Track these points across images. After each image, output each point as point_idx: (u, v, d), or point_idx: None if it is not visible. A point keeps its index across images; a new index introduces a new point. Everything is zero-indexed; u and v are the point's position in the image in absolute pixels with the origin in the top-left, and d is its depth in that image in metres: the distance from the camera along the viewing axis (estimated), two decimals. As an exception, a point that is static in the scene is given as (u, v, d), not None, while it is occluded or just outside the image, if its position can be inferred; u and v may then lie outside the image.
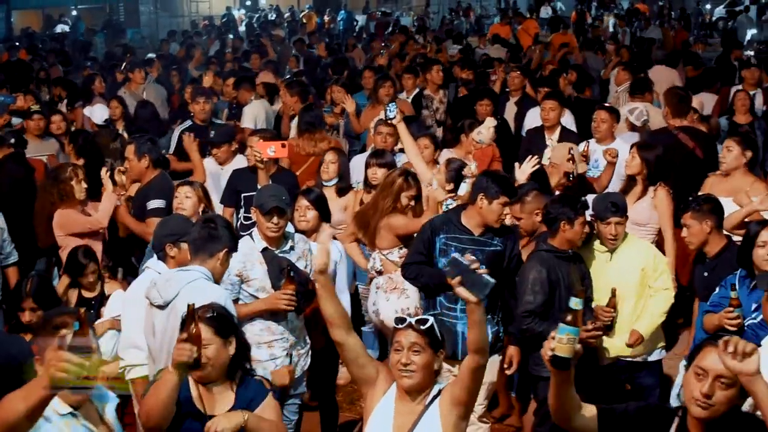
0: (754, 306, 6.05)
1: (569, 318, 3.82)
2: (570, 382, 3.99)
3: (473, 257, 4.36)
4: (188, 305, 4.60)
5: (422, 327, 4.60)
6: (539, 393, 6.79)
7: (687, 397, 3.94)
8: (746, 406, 4.15)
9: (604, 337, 6.87)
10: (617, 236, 6.90)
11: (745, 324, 5.87)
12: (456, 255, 4.63)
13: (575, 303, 3.82)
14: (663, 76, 14.80)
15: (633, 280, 6.95)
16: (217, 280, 5.83)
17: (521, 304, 6.62)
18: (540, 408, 6.80)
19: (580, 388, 4.06)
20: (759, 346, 4.15)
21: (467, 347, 4.58)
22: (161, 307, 5.61)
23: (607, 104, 10.73)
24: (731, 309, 6.10)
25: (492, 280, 4.34)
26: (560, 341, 3.82)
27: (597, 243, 7.03)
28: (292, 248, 6.64)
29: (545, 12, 36.20)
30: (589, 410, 4.09)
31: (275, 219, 6.43)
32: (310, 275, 6.55)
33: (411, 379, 4.58)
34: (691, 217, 6.86)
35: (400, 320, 4.69)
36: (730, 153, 8.26)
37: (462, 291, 4.30)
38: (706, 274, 6.85)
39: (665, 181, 8.24)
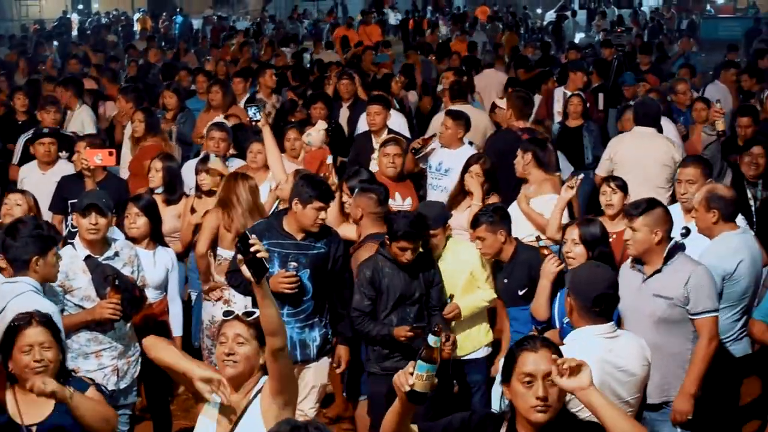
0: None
1: (427, 354, 3.75)
2: (413, 412, 3.94)
3: (255, 240, 4.29)
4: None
5: (248, 318, 4.59)
6: (370, 389, 6.89)
7: (524, 408, 3.94)
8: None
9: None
10: (437, 246, 7.02)
11: (565, 322, 6.00)
12: (247, 232, 4.69)
13: (434, 341, 3.76)
14: (493, 80, 15.13)
15: (461, 283, 7.06)
16: (51, 279, 5.83)
17: (352, 303, 6.70)
18: (373, 406, 6.86)
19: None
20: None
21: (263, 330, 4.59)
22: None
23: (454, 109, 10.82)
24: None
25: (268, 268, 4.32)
26: (419, 378, 3.74)
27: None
28: (116, 254, 6.52)
29: (395, 18, 36.66)
30: None
31: (93, 218, 6.30)
32: (138, 281, 6.48)
33: (233, 369, 4.56)
34: (485, 230, 6.89)
35: (227, 313, 4.68)
36: (522, 160, 8.41)
37: (245, 270, 4.29)
38: (506, 280, 6.97)
39: (496, 190, 8.41)
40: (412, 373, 3.74)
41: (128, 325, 6.50)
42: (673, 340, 5.96)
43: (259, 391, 4.63)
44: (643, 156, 9.13)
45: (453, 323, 6.98)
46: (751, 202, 8.28)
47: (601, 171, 9.50)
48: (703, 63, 19.34)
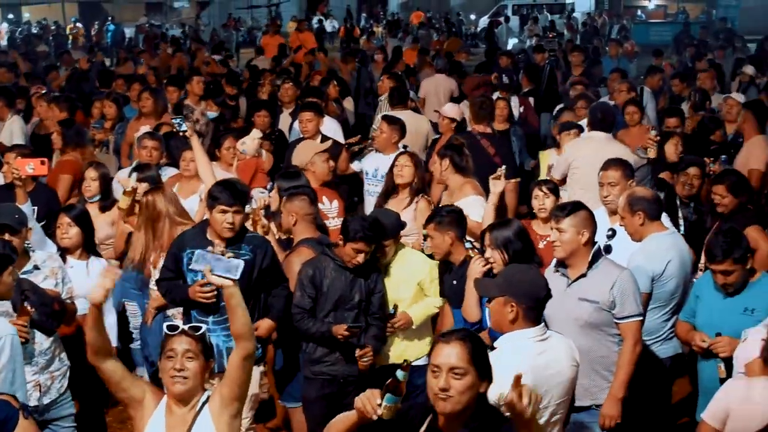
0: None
1: (395, 387, 3.98)
2: None
3: (219, 248, 4.37)
4: None
5: (196, 333, 4.60)
6: (303, 393, 6.92)
7: (430, 395, 4.12)
8: (493, 398, 4.35)
9: (383, 346, 6.98)
10: (387, 254, 7.03)
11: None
12: (199, 251, 4.73)
13: (402, 375, 3.98)
14: (441, 85, 15.22)
15: (409, 294, 7.09)
16: (6, 298, 5.78)
17: (293, 301, 6.74)
18: (307, 409, 6.91)
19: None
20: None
21: (233, 336, 4.64)
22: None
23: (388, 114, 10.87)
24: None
25: (241, 261, 4.48)
26: (387, 409, 3.99)
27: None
28: (36, 267, 6.43)
29: (331, 26, 36.67)
30: None
31: (6, 237, 6.19)
32: (64, 293, 6.43)
33: (184, 386, 4.56)
34: (434, 228, 6.93)
35: (172, 327, 4.66)
36: (440, 166, 8.44)
37: (216, 279, 4.31)
38: (455, 282, 6.99)
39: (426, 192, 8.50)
40: (380, 404, 3.98)
41: (50, 339, 6.35)
42: (598, 343, 6.00)
43: (205, 402, 4.63)
44: (598, 161, 9.07)
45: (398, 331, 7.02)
46: (681, 221, 8.33)
47: (556, 174, 9.56)
48: (633, 68, 19.58)
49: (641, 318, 6.05)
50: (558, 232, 6.15)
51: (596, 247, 6.14)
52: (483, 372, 4.15)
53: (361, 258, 6.64)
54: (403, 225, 7.24)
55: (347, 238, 6.63)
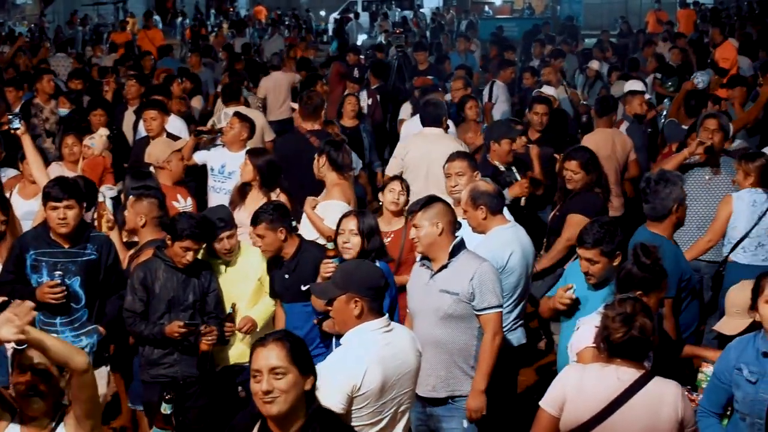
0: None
1: (162, 421, 4.15)
2: None
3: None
4: None
5: (20, 348, 4.44)
6: (143, 397, 6.86)
7: (256, 401, 4.13)
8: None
9: (223, 347, 6.96)
10: (231, 249, 7.00)
11: None
12: None
13: (165, 408, 4.08)
14: (279, 82, 15.20)
15: (249, 290, 7.09)
16: None
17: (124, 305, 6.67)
18: (148, 413, 6.81)
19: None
20: None
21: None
22: None
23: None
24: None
25: None
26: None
27: (210, 257, 7.08)
28: None
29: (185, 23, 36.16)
30: None
31: None
32: None
33: (37, 404, 4.45)
34: (265, 227, 6.90)
35: (22, 342, 4.49)
36: (318, 162, 8.43)
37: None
38: (287, 276, 6.99)
39: (280, 186, 8.48)
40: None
41: None
42: (458, 335, 6.04)
43: (61, 420, 4.52)
44: (432, 157, 9.23)
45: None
46: None
47: (390, 170, 9.62)
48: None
49: (501, 310, 6.09)
50: (415, 228, 6.20)
51: (458, 239, 6.17)
52: (304, 368, 4.15)
53: (190, 256, 6.60)
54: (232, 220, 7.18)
55: (174, 237, 6.57)
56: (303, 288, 6.85)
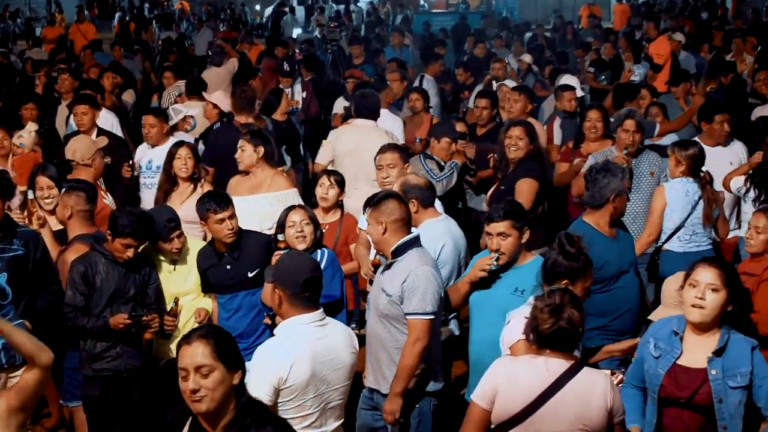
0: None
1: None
2: None
3: None
4: None
5: None
6: (83, 392, 6.83)
7: (185, 399, 4.12)
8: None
9: (165, 341, 6.94)
10: (182, 248, 7.01)
11: None
12: None
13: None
14: (222, 76, 15.13)
15: (194, 282, 7.10)
16: None
17: (65, 299, 6.62)
18: (88, 409, 6.80)
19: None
20: None
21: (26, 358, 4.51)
22: None
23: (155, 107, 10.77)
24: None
25: None
26: None
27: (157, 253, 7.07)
28: None
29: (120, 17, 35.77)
30: None
31: None
32: None
33: None
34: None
35: None
36: (244, 152, 8.42)
37: None
38: (229, 266, 6.96)
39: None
40: None
41: None
42: (394, 334, 5.96)
43: None
44: (362, 148, 9.26)
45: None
46: None
47: (321, 160, 9.61)
48: (417, 57, 19.92)
49: (427, 317, 5.84)
50: (367, 224, 6.22)
51: (408, 237, 6.05)
52: (231, 363, 4.14)
53: (130, 253, 6.59)
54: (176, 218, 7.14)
55: (115, 233, 6.55)
56: (250, 275, 6.90)
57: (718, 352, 5.13)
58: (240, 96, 10.45)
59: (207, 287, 7.10)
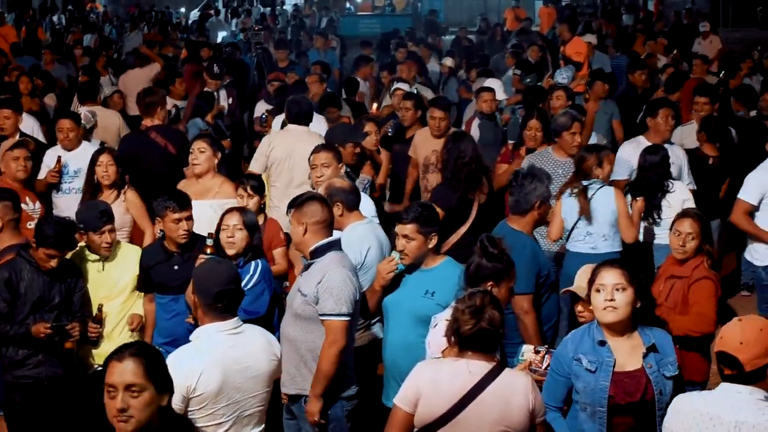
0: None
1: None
2: None
3: None
4: None
5: None
6: (4, 398, 6.78)
7: (109, 417, 4.02)
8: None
9: (92, 348, 6.91)
10: (111, 243, 6.99)
11: None
12: None
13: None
14: (140, 78, 14.98)
15: (127, 286, 7.10)
16: None
17: None
18: (8, 416, 6.72)
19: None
20: None
21: None
22: None
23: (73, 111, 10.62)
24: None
25: None
26: None
27: (88, 253, 7.04)
28: None
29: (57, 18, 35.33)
30: None
31: None
32: None
33: None
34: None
35: None
36: (203, 154, 8.39)
37: None
38: (177, 267, 6.98)
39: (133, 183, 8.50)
40: None
41: None
42: (307, 335, 5.93)
43: None
44: (296, 154, 9.22)
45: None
46: None
47: (255, 168, 9.55)
48: (346, 60, 19.96)
49: (343, 318, 5.84)
50: (290, 224, 6.22)
51: (327, 240, 6.03)
52: (161, 386, 4.05)
53: (54, 263, 6.57)
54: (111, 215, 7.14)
55: (39, 243, 6.52)
56: None
57: (652, 348, 5.21)
58: (143, 99, 10.26)
59: (149, 286, 7.06)
